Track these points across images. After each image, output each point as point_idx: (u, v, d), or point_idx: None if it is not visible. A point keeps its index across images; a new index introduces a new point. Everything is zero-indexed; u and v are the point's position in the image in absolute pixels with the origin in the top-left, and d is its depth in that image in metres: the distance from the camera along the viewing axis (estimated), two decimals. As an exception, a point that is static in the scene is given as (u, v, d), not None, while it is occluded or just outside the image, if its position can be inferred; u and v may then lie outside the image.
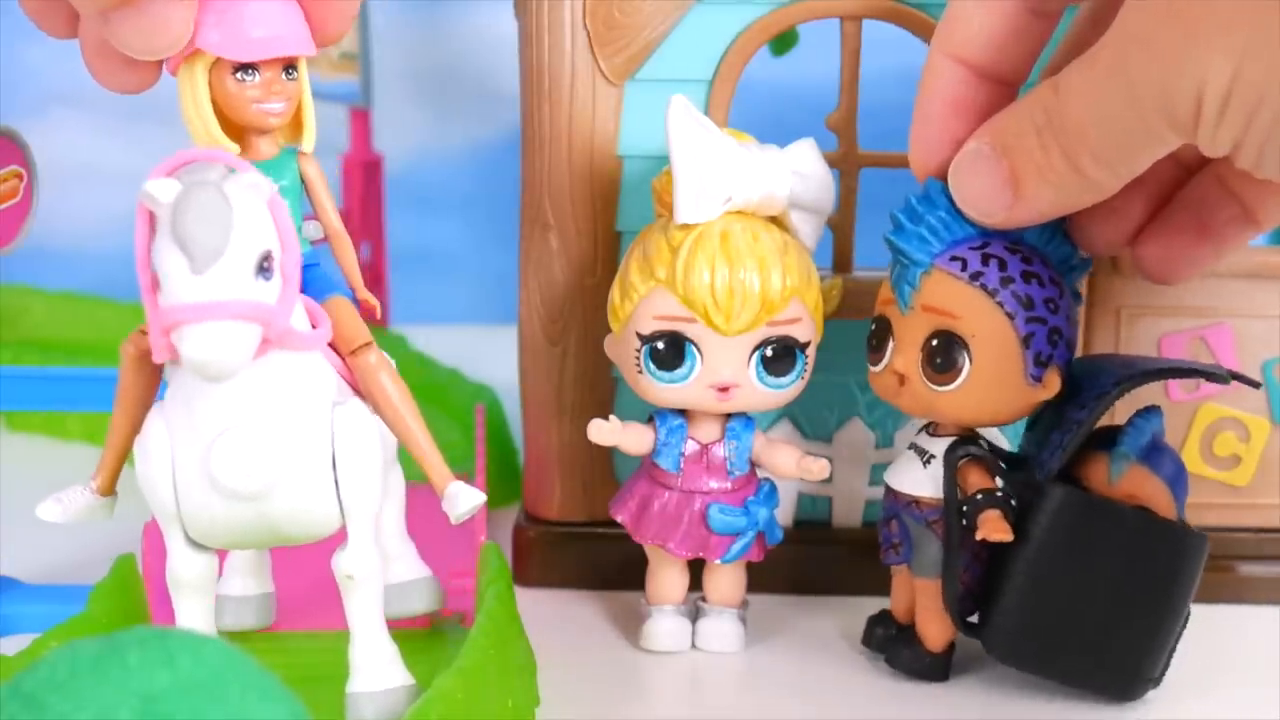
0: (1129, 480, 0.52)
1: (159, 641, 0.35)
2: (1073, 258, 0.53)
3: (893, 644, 0.56)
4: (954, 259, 0.51)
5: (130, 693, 0.34)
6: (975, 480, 0.53)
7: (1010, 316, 0.51)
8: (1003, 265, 0.51)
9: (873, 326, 0.54)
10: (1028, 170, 0.49)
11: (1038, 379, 0.52)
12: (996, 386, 0.52)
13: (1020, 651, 0.53)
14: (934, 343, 0.52)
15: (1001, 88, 0.52)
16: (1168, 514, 0.52)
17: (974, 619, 0.54)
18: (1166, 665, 0.53)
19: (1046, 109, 0.48)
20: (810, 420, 0.62)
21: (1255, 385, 0.53)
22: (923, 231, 0.52)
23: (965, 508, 0.52)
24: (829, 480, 0.59)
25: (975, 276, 0.51)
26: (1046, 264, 0.52)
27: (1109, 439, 0.52)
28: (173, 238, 0.42)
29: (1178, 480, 0.52)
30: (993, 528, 0.51)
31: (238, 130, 0.48)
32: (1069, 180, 0.48)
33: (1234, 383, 0.52)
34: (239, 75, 0.47)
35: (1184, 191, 0.54)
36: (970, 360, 0.51)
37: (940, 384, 0.52)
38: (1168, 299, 0.60)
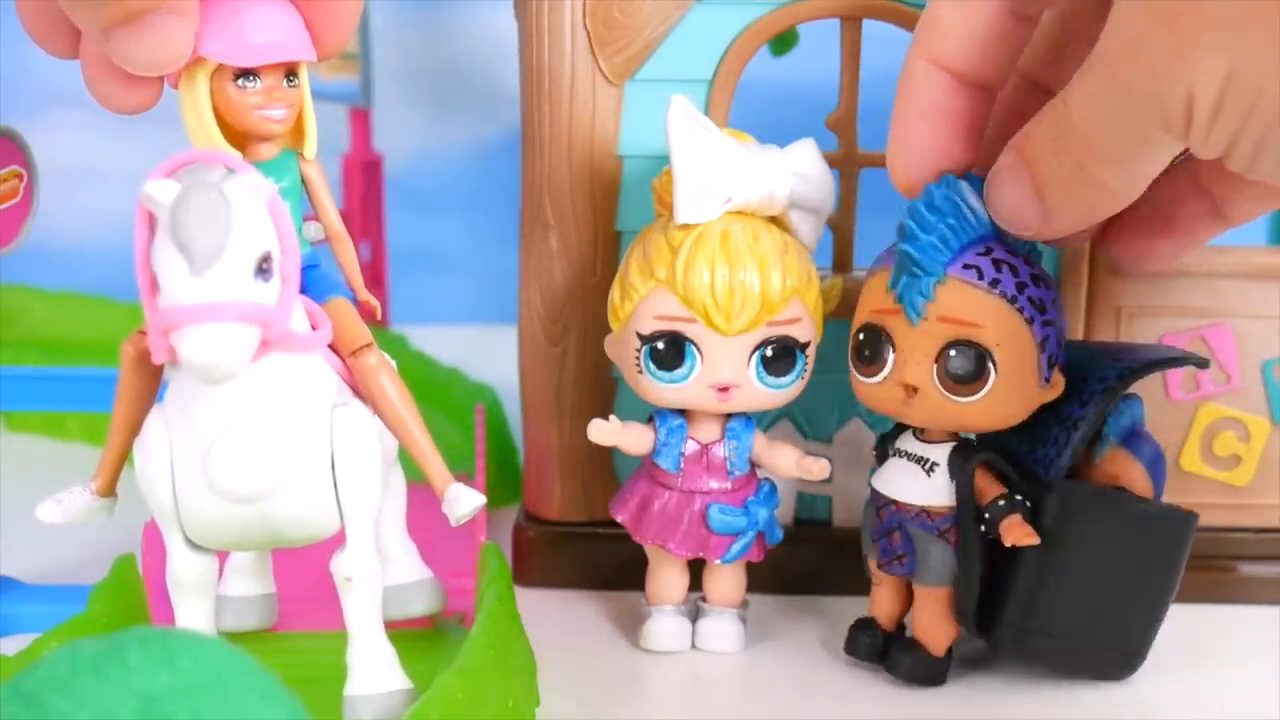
0: (1110, 461, 0.53)
1: (159, 641, 0.35)
2: (1033, 250, 0.52)
3: (891, 651, 0.55)
4: (967, 267, 0.51)
5: (130, 693, 0.34)
6: (987, 486, 0.53)
7: (1029, 322, 0.51)
8: (1014, 271, 0.51)
9: (861, 337, 0.53)
10: (1049, 182, 0.48)
11: (1048, 381, 0.52)
12: (1016, 393, 0.51)
13: (1028, 646, 0.53)
14: (953, 354, 0.51)
15: (982, 93, 0.51)
16: (1145, 495, 0.53)
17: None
18: (1153, 639, 0.55)
19: (1058, 119, 0.47)
20: (810, 420, 0.62)
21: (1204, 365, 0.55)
22: (934, 240, 0.51)
23: (986, 515, 0.52)
24: (829, 480, 0.59)
25: (994, 284, 0.50)
26: (1037, 262, 0.52)
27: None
28: (172, 239, 0.42)
29: (1156, 464, 0.53)
30: (1019, 534, 0.51)
31: (240, 138, 0.48)
32: (1086, 189, 0.47)
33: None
34: (240, 82, 0.47)
35: (1154, 186, 0.54)
36: (996, 370, 0.51)
37: (963, 395, 0.51)
38: (1167, 299, 0.60)
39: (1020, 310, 0.51)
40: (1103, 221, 0.54)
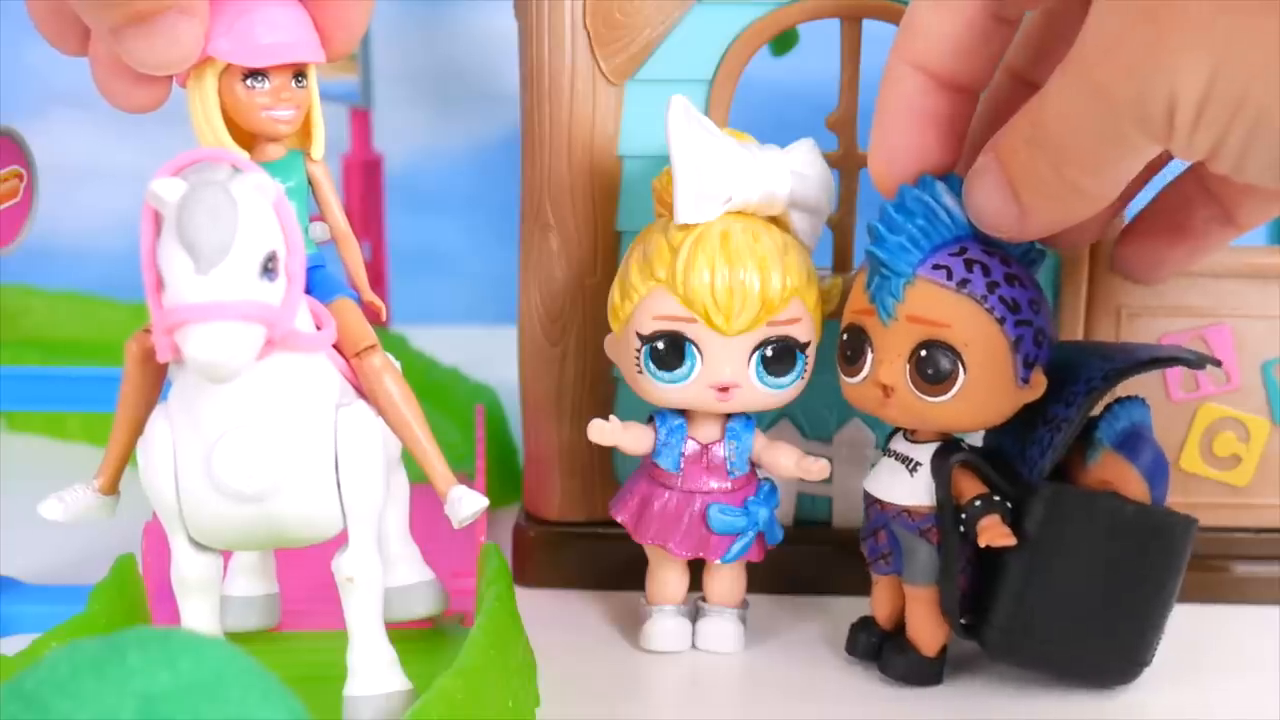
0: (1103, 466, 0.52)
1: (159, 642, 0.35)
2: (1030, 251, 0.52)
3: (884, 652, 0.55)
4: (937, 267, 0.51)
5: (130, 693, 0.34)
6: (968, 486, 0.52)
7: (1000, 322, 0.51)
8: (986, 270, 0.51)
9: (844, 337, 0.53)
10: (1023, 183, 0.48)
11: (1026, 381, 0.51)
12: (989, 393, 0.51)
13: (1018, 649, 0.53)
14: (923, 354, 0.51)
15: (963, 95, 0.51)
16: (1141, 499, 0.52)
17: (965, 620, 0.54)
18: (1156, 647, 0.54)
19: (1032, 121, 0.47)
20: (810, 420, 0.62)
21: (1217, 364, 0.54)
22: (903, 241, 0.51)
23: (964, 515, 0.52)
24: (829, 480, 0.59)
25: (962, 284, 0.51)
26: (1022, 262, 0.52)
27: (1087, 427, 0.53)
28: (178, 237, 0.42)
29: (1155, 470, 0.53)
30: (995, 534, 0.51)
31: (247, 137, 0.48)
32: (1060, 191, 0.47)
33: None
34: (248, 82, 0.47)
35: (1163, 191, 0.54)
36: (964, 369, 0.51)
37: (933, 395, 0.51)
38: (1167, 299, 0.60)
39: (990, 310, 0.51)
40: (1101, 230, 0.54)
